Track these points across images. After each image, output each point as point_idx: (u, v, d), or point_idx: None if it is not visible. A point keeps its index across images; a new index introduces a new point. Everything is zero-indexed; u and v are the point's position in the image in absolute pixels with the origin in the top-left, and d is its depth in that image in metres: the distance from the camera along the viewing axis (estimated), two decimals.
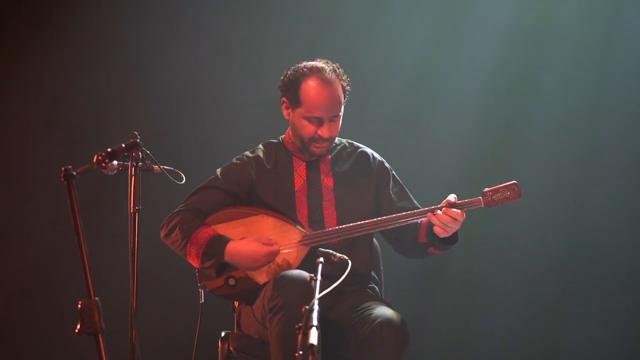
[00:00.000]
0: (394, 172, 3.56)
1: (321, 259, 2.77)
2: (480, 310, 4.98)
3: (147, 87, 5.00)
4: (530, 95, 5.04)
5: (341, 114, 3.38)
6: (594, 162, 4.97)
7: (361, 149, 3.56)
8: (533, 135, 5.02)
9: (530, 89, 5.04)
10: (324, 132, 3.33)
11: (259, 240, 3.26)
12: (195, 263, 3.30)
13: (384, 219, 3.29)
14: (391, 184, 3.52)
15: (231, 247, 3.24)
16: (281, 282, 3.11)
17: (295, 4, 5.09)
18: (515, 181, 3.23)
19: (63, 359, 4.83)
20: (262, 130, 3.76)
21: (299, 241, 3.31)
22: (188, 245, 3.28)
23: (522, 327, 4.95)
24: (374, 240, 3.59)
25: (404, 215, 3.28)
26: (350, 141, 3.58)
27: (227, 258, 3.24)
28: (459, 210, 3.16)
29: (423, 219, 3.26)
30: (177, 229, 3.31)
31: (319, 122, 3.33)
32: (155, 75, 5.01)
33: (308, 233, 3.32)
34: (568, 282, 4.96)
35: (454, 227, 3.19)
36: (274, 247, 3.26)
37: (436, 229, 3.20)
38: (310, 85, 3.34)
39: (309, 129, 3.35)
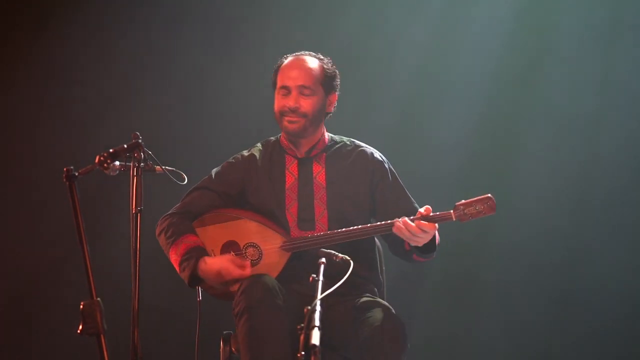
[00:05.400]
0: (393, 172, 3.51)
1: (323, 260, 2.77)
2: (480, 312, 4.97)
3: (149, 88, 5.01)
4: (532, 96, 5.04)
5: (314, 88, 3.36)
6: (594, 165, 4.97)
7: (361, 148, 3.52)
8: (534, 136, 5.01)
9: (532, 91, 5.04)
10: (289, 101, 3.35)
11: (233, 261, 3.24)
12: (177, 270, 3.34)
13: (355, 229, 3.24)
14: (389, 184, 3.46)
15: (203, 263, 3.24)
16: (243, 286, 3.14)
17: (297, 3, 5.09)
18: (489, 195, 3.15)
19: (65, 359, 4.83)
20: (263, 131, 3.76)
21: (281, 246, 3.31)
22: (171, 251, 3.32)
23: (521, 329, 4.94)
24: (377, 241, 3.57)
25: (372, 227, 3.24)
26: (352, 140, 3.55)
27: (199, 273, 3.25)
28: (427, 223, 3.11)
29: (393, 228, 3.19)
30: (163, 233, 3.37)
31: (287, 92, 3.36)
32: (157, 75, 5.01)
33: (289, 238, 3.31)
34: (568, 282, 4.95)
35: (424, 238, 3.15)
36: (246, 271, 3.22)
37: (401, 235, 3.15)
38: (284, 62, 3.44)
39: (278, 103, 3.39)
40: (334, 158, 3.47)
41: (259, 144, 3.56)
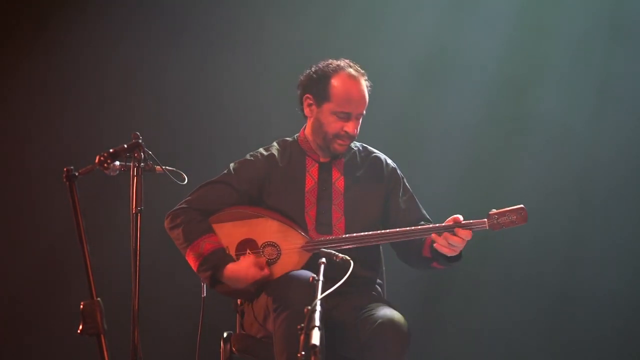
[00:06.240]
0: (405, 181, 3.54)
1: (323, 260, 2.77)
2: (480, 312, 4.97)
3: (149, 88, 5.00)
4: (532, 97, 5.04)
5: (364, 112, 3.39)
6: (594, 166, 4.97)
7: (375, 154, 3.55)
8: (534, 137, 5.01)
9: (532, 91, 5.04)
10: (350, 127, 3.34)
11: (256, 264, 3.25)
12: (192, 267, 3.32)
13: (389, 233, 3.27)
14: (401, 192, 3.50)
15: (229, 269, 3.24)
16: (285, 283, 3.11)
17: (297, 3, 5.09)
18: (522, 205, 3.17)
19: (65, 359, 4.83)
20: (264, 131, 3.76)
21: (302, 246, 3.31)
22: (188, 249, 3.30)
23: (521, 329, 4.94)
24: None
25: (409, 230, 3.25)
26: (364, 145, 3.58)
27: (223, 279, 3.25)
28: (467, 230, 3.14)
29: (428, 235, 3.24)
30: (180, 228, 3.33)
31: (347, 117, 3.34)
32: (157, 75, 5.01)
33: (311, 239, 3.31)
34: (568, 283, 4.95)
35: (460, 246, 3.18)
36: (265, 271, 3.25)
37: (441, 248, 3.18)
38: (341, 80, 3.36)
39: (336, 124, 3.35)
40: (351, 165, 3.49)
41: (275, 143, 3.54)
